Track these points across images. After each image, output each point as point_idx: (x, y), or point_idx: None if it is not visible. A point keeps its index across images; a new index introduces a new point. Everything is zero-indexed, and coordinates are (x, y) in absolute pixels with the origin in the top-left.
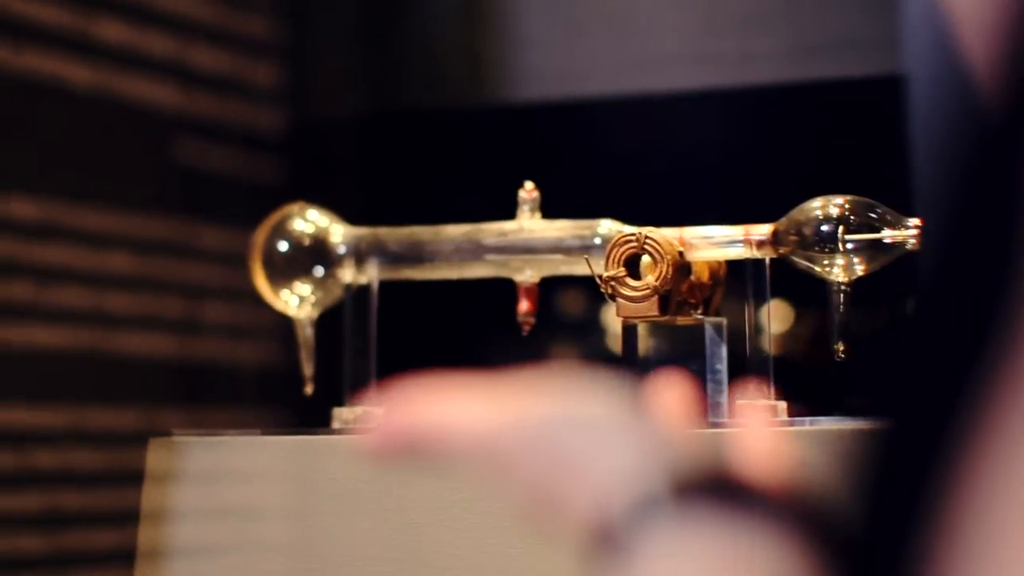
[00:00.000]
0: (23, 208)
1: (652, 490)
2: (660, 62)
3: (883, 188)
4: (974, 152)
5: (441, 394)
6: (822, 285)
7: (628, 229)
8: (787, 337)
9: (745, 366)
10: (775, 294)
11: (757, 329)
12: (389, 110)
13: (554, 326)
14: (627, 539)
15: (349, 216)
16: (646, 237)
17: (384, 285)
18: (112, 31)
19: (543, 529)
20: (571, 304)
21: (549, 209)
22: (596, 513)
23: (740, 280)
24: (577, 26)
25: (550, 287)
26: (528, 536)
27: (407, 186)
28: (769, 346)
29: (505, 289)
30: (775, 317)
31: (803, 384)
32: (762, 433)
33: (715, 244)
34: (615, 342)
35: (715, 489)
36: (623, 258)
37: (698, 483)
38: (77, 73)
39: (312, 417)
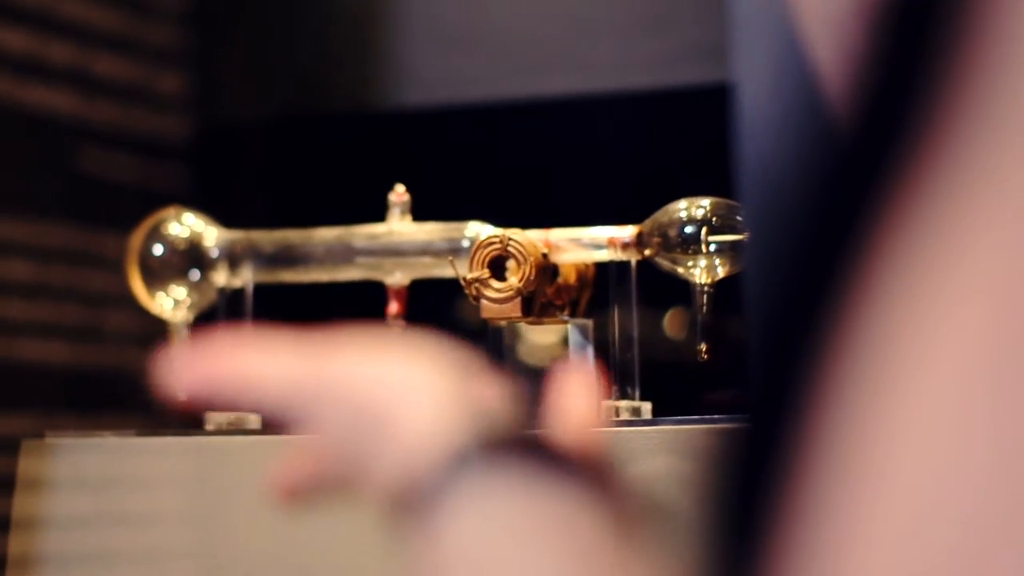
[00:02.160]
0: None
1: (461, 445)
2: (526, 68)
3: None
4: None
5: (251, 345)
6: (687, 286)
7: (493, 231)
8: (652, 338)
9: (611, 367)
10: (644, 296)
11: (621, 331)
12: (287, 116)
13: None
14: (434, 493)
15: (253, 221)
16: (509, 239)
17: (259, 288)
18: (12, 39)
19: (351, 485)
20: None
21: (427, 213)
22: (403, 467)
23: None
24: (453, 34)
25: (430, 288)
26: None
27: (305, 190)
28: (635, 347)
29: (377, 292)
30: (641, 318)
31: (668, 384)
32: (578, 400)
33: (580, 246)
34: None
35: (523, 448)
36: (487, 260)
37: (507, 441)
38: None
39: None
